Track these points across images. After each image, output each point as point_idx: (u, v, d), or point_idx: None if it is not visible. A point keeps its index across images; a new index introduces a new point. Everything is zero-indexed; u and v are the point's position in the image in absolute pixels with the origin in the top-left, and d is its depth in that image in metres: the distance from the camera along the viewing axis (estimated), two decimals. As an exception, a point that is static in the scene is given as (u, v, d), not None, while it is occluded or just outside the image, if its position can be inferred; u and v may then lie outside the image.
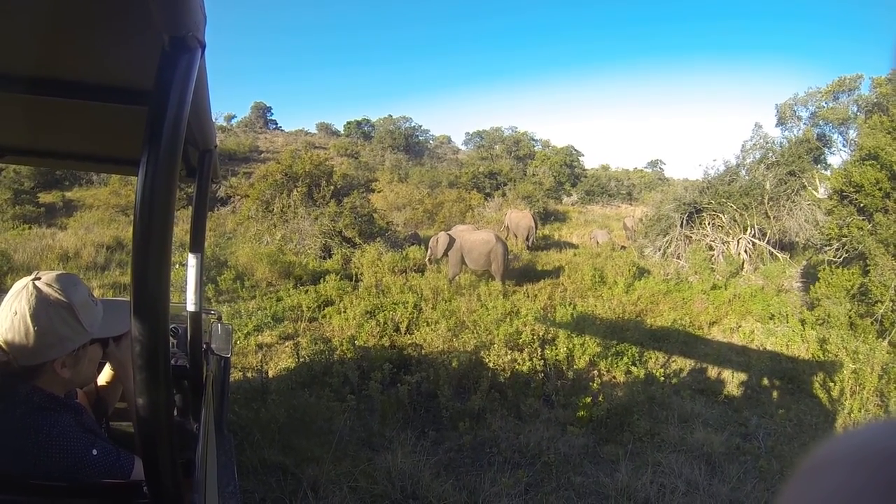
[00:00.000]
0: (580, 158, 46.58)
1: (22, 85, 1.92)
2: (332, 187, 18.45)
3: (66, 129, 2.71)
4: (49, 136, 2.90)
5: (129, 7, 1.38)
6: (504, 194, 31.31)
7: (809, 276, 15.36)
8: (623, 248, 22.03)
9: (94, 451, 1.65)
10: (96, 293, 11.86)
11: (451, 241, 14.68)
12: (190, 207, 3.25)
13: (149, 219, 1.26)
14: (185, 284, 3.03)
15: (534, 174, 39.57)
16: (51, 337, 1.68)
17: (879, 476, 0.41)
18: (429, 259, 15.21)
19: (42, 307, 1.66)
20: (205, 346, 3.62)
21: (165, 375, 1.39)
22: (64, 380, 1.76)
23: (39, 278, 1.69)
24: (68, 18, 1.52)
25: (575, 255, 20.37)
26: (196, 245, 2.99)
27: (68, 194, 25.74)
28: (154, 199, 1.25)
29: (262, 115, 51.00)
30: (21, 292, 1.65)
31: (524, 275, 15.91)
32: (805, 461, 0.48)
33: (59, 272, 1.77)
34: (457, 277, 14.47)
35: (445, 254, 14.81)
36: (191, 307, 3.00)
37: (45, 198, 24.18)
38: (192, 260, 2.97)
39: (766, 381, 9.18)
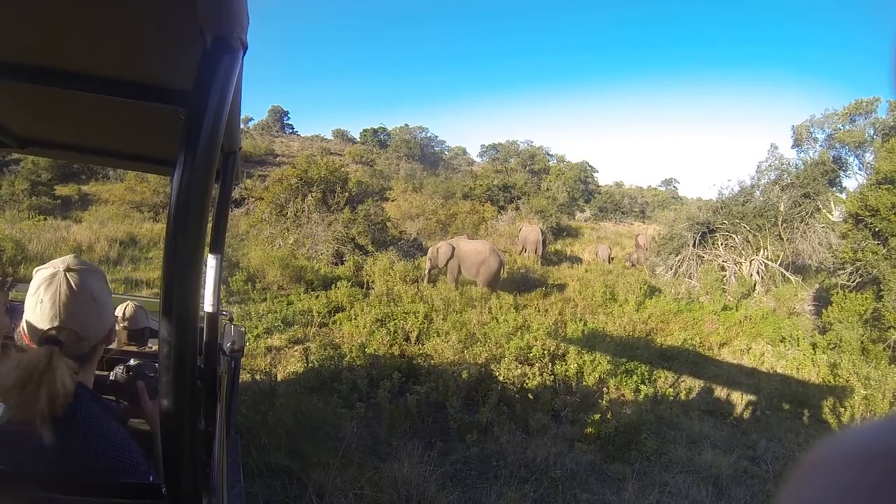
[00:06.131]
0: (594, 175, 46.66)
1: (53, 78, 1.91)
2: (346, 194, 18.50)
3: (95, 125, 2.71)
4: (76, 131, 2.91)
5: (173, 5, 1.38)
6: (518, 208, 31.23)
7: (822, 300, 15.28)
8: (632, 264, 21.98)
9: (151, 478, 1.63)
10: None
11: (453, 250, 14.89)
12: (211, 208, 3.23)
13: (184, 220, 1.24)
14: (203, 285, 3.03)
15: (548, 189, 39.50)
16: (109, 306, 1.72)
17: (868, 475, 0.42)
18: (429, 269, 15.20)
19: (94, 281, 1.66)
20: (217, 346, 3.61)
21: (192, 377, 1.38)
22: (101, 353, 1.76)
23: (68, 266, 1.65)
24: (108, 13, 1.52)
25: (586, 271, 20.32)
26: (216, 246, 2.97)
27: (84, 188, 25.83)
28: (189, 201, 1.24)
29: (279, 119, 51.20)
30: (66, 279, 1.61)
31: (535, 289, 15.85)
32: (804, 459, 0.49)
33: (71, 255, 1.75)
34: (459, 286, 14.59)
35: (446, 264, 14.98)
36: (208, 308, 2.97)
37: (62, 190, 24.26)
38: (211, 261, 2.95)
39: (775, 405, 9.11)
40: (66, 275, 1.62)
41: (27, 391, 1.43)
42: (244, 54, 1.36)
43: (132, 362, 2.55)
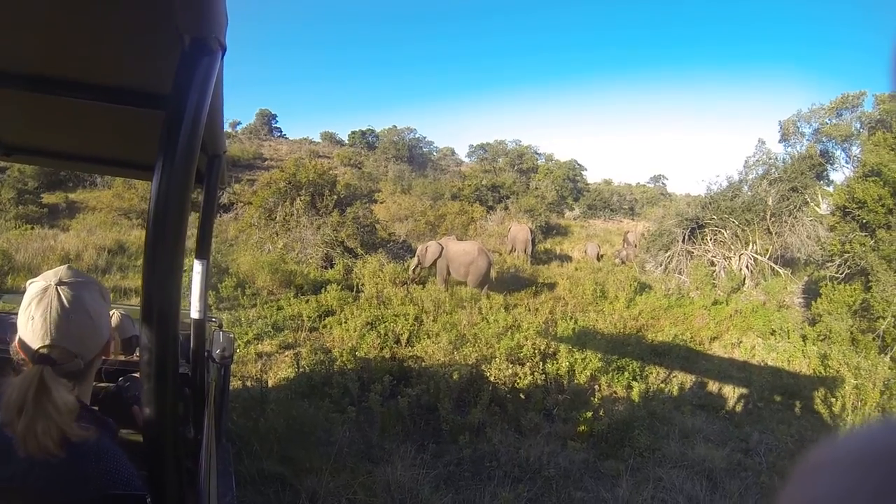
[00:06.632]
0: (583, 173, 46.70)
1: (36, 84, 1.88)
2: (335, 197, 18.41)
3: (79, 131, 2.67)
4: (61, 137, 2.87)
5: (151, 7, 1.36)
6: (506, 207, 31.21)
7: (811, 292, 15.33)
8: (621, 261, 22.05)
9: (148, 500, 1.60)
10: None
11: (441, 250, 14.95)
12: (195, 213, 3.22)
13: (163, 225, 1.24)
14: (190, 291, 3.00)
15: (536, 188, 39.48)
16: (104, 319, 1.67)
17: (871, 477, 0.42)
18: (414, 269, 15.27)
19: (88, 295, 1.61)
20: (206, 353, 3.59)
21: (173, 384, 1.36)
22: (98, 365, 1.73)
23: (60, 280, 1.60)
24: (87, 18, 1.50)
25: (576, 269, 20.38)
26: (202, 252, 2.95)
27: (72, 196, 25.57)
28: (168, 205, 1.23)
29: (267, 123, 51.10)
30: (58, 294, 1.56)
31: (525, 289, 15.87)
32: (803, 461, 0.49)
33: (64, 266, 1.69)
34: (448, 286, 14.66)
35: (434, 263, 15.05)
36: (195, 314, 2.95)
37: (49, 198, 24.00)
38: (197, 266, 2.93)
39: (767, 397, 9.14)
40: (57, 289, 1.57)
41: (26, 415, 1.40)
42: (223, 56, 1.35)
43: (121, 381, 2.54)
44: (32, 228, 18.27)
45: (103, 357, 1.74)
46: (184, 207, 1.28)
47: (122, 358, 3.51)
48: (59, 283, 1.58)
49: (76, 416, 1.47)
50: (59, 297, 1.56)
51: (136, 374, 2.84)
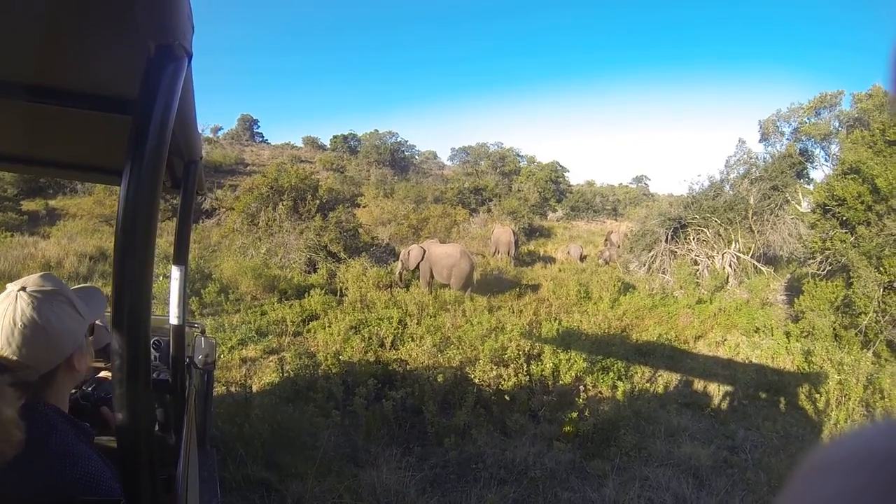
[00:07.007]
0: (565, 174, 47.01)
1: (4, 90, 1.87)
2: (317, 201, 18.41)
3: (49, 137, 2.66)
4: (31, 143, 2.84)
5: (116, 14, 1.36)
6: (489, 210, 31.29)
7: (793, 290, 15.47)
8: (605, 262, 22.11)
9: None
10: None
11: (424, 253, 15.00)
12: (174, 219, 3.20)
13: (131, 230, 1.24)
14: (169, 297, 2.98)
15: (519, 190, 39.67)
16: (65, 334, 1.63)
17: (880, 476, 0.41)
18: (399, 273, 15.30)
19: (47, 307, 1.59)
20: (188, 359, 3.56)
21: (146, 389, 1.36)
22: (73, 378, 1.72)
23: (25, 286, 1.61)
24: (53, 24, 1.49)
25: (560, 270, 20.41)
26: (180, 257, 2.95)
27: (52, 203, 25.35)
28: (137, 210, 1.23)
29: (249, 128, 51.09)
30: (15, 302, 1.56)
31: (509, 290, 15.87)
32: (806, 462, 0.48)
33: (39, 273, 1.70)
34: (431, 289, 14.70)
35: (417, 266, 15.08)
36: (174, 320, 2.94)
37: (29, 206, 23.82)
38: (175, 272, 2.93)
39: (751, 394, 9.19)
40: (17, 299, 1.57)
41: None
42: (190, 62, 1.35)
43: (87, 388, 2.51)
44: (12, 236, 18.03)
45: (76, 370, 1.71)
46: (152, 212, 1.29)
47: (99, 365, 3.48)
48: (23, 290, 1.58)
49: (51, 424, 1.45)
50: (16, 306, 1.56)
51: (102, 375, 2.81)
